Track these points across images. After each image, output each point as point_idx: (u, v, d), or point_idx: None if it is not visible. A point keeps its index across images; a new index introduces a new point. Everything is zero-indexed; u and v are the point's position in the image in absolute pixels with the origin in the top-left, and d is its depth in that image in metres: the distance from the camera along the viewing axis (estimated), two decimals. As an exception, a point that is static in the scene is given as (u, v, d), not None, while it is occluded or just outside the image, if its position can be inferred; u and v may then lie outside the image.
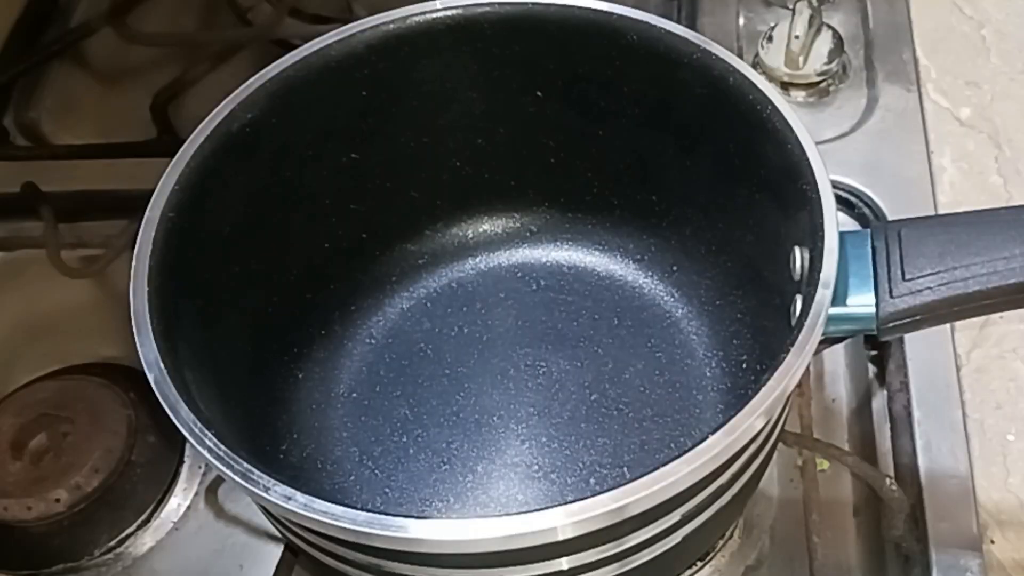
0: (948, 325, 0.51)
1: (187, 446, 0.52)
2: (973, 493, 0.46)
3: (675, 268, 0.51)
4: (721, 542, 0.48)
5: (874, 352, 0.52)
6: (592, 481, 0.47)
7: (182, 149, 0.42)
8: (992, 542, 0.46)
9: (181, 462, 0.52)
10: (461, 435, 0.49)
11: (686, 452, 0.33)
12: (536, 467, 0.48)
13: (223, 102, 0.43)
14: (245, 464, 0.34)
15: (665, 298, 0.51)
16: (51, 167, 0.64)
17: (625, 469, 0.47)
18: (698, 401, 0.49)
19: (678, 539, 0.38)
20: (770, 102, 0.41)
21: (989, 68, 0.62)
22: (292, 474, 0.46)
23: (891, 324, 0.38)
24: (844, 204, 0.56)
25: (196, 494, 0.51)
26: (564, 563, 0.35)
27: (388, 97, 0.47)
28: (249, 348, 0.46)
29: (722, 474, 0.36)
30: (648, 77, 0.45)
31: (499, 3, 0.46)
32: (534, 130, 0.49)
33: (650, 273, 0.52)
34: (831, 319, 0.36)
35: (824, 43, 0.61)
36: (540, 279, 0.53)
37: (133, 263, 0.39)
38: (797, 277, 0.40)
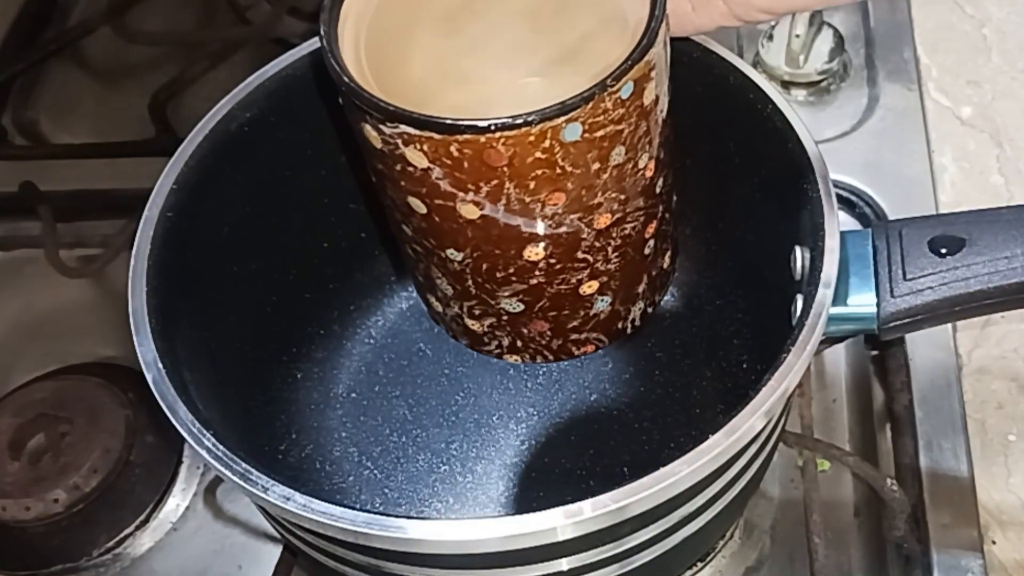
0: (949, 325, 0.50)
1: (186, 446, 0.52)
2: (974, 493, 0.46)
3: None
4: (721, 543, 0.48)
5: (875, 352, 0.52)
6: (592, 482, 0.47)
7: (180, 148, 0.42)
8: (993, 543, 0.46)
9: (179, 462, 0.51)
10: (461, 435, 0.49)
11: (686, 452, 0.33)
12: (536, 467, 0.47)
13: (221, 101, 0.43)
14: (244, 464, 0.34)
15: (665, 298, 0.51)
16: (49, 166, 0.63)
17: (625, 469, 0.47)
18: (698, 401, 0.49)
19: (678, 540, 0.38)
20: (770, 101, 0.41)
21: (990, 67, 0.62)
22: (291, 474, 0.46)
23: (892, 324, 0.38)
24: (845, 203, 0.56)
25: (195, 494, 0.51)
26: (564, 564, 0.35)
27: (387, 96, 0.47)
28: (248, 348, 0.46)
29: (722, 474, 0.36)
30: (648, 76, 0.45)
31: (499, 2, 0.46)
32: (534, 129, 0.49)
33: (650, 273, 0.52)
34: (832, 319, 0.36)
35: (825, 42, 0.61)
36: (540, 279, 0.52)
37: (131, 262, 0.39)
38: (798, 277, 0.39)
